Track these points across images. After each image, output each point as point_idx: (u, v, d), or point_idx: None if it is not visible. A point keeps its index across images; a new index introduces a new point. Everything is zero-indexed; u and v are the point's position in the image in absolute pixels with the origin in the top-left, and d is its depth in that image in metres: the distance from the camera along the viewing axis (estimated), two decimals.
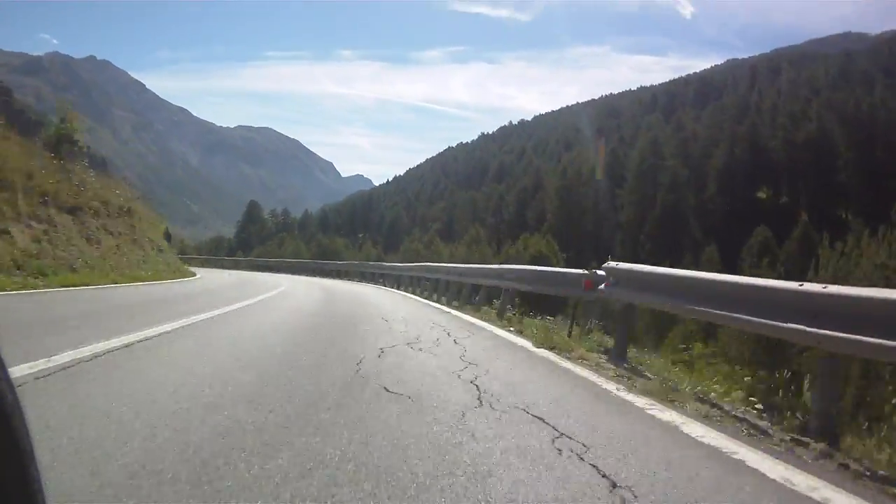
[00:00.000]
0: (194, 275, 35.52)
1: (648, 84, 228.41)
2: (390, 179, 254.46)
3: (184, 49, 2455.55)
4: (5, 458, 0.79)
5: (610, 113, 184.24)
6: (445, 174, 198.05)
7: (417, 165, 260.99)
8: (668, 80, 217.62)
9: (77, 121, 28.06)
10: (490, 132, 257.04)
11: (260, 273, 54.90)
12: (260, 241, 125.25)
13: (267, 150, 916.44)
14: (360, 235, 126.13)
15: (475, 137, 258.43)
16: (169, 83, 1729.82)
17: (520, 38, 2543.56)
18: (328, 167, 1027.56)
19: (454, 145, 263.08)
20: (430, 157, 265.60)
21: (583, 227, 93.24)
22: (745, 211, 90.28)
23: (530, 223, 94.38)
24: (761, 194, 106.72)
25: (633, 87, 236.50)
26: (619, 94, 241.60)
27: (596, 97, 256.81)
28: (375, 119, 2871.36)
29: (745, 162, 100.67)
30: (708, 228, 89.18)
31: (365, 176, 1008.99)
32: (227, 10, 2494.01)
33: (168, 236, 59.76)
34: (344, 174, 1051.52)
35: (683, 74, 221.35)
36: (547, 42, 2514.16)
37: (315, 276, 49.27)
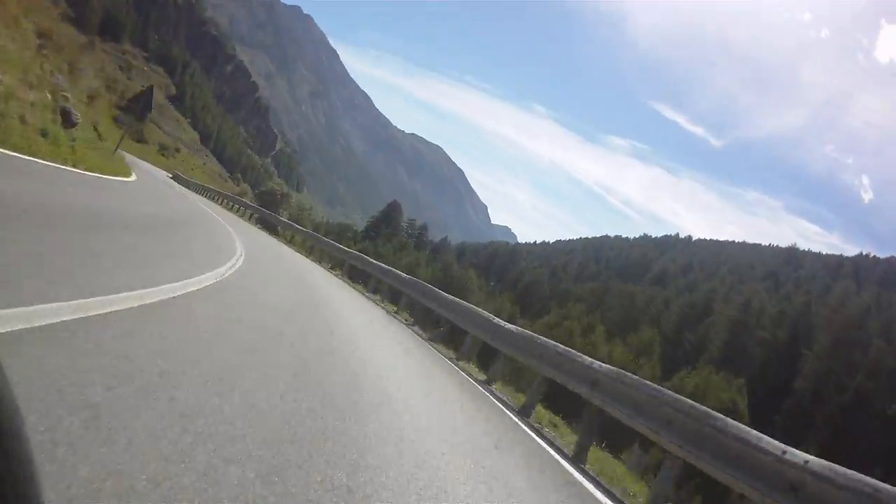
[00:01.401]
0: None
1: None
2: (537, 241, 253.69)
3: (389, 37, 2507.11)
4: (5, 459, 0.76)
5: (787, 261, 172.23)
6: (597, 259, 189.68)
7: (568, 240, 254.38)
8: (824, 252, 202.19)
9: None
10: (654, 235, 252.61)
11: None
12: (386, 243, 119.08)
13: (431, 168, 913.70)
14: (491, 284, 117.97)
15: (636, 235, 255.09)
16: (361, 64, 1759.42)
17: (704, 160, 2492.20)
18: (481, 208, 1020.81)
19: (612, 235, 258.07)
20: (583, 236, 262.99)
21: (751, 369, 74.06)
22: None
23: (686, 346, 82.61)
24: None
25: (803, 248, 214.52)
26: (803, 251, 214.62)
27: (763, 243, 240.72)
28: (542, 180, 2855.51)
29: None
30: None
31: (512, 229, 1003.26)
32: (445, 20, 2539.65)
33: None
34: (493, 220, 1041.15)
35: (837, 253, 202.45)
36: (728, 174, 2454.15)
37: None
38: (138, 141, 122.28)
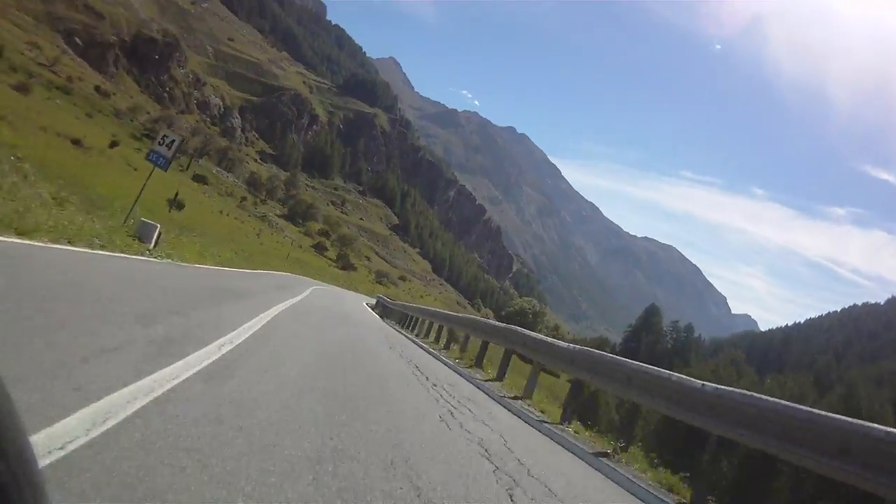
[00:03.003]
0: None
1: None
2: (779, 326, 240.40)
3: (602, 145, 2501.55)
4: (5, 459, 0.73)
5: None
6: (858, 333, 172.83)
7: (817, 317, 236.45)
8: None
9: None
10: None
11: None
12: (650, 354, 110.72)
13: (667, 269, 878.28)
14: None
15: (881, 300, 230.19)
16: (582, 176, 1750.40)
17: None
18: (721, 300, 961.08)
19: (859, 304, 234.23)
20: (824, 312, 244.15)
21: None
22: None
23: None
24: None
25: None
26: None
27: None
28: (774, 265, 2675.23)
29: None
30: None
31: (752, 316, 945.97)
32: (652, 119, 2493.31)
33: None
34: (734, 310, 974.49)
35: None
36: None
37: None
38: (343, 268, 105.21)
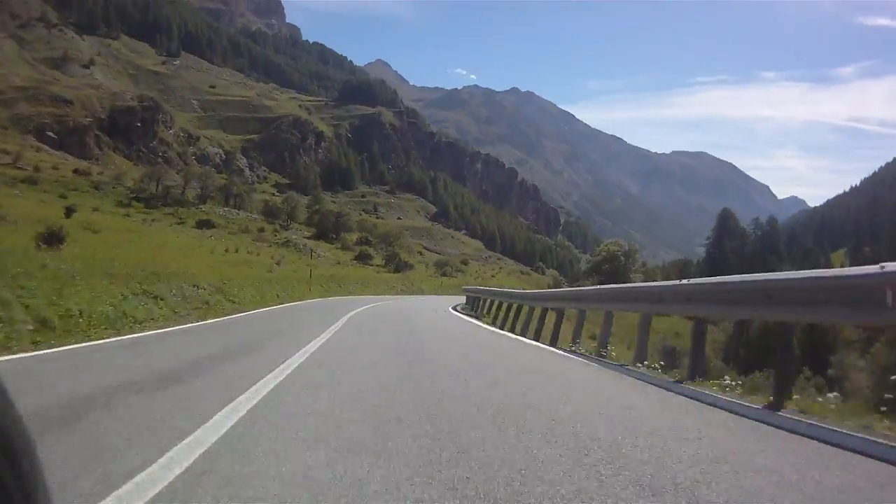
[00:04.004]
0: None
1: None
2: (832, 197, 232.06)
3: (610, 80, 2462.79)
4: (5, 460, 0.71)
5: None
6: None
7: (860, 183, 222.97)
8: None
9: None
10: None
11: None
12: (740, 259, 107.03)
13: (704, 175, 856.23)
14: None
15: None
16: (597, 114, 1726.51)
17: None
18: (764, 190, 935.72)
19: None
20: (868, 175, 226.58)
21: None
22: None
23: None
24: None
25: None
26: None
27: None
28: (805, 141, 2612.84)
29: None
30: None
31: (799, 197, 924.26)
32: (648, 39, 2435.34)
33: None
34: (780, 196, 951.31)
35: None
36: None
37: None
38: (397, 270, 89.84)
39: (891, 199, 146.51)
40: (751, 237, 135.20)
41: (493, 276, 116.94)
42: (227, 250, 54.95)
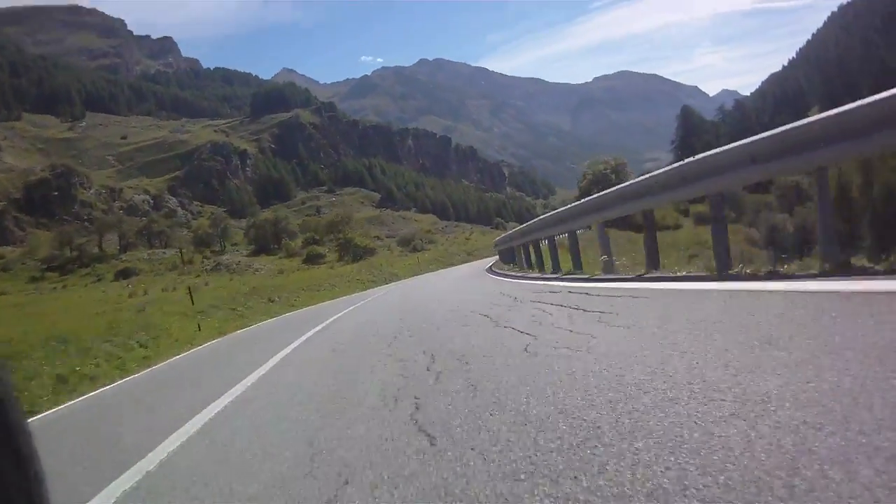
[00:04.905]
0: None
1: None
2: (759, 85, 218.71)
3: (508, 28, 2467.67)
4: (6, 460, 0.71)
5: None
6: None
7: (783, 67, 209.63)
8: None
9: None
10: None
11: None
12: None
13: (630, 93, 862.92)
14: None
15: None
16: (510, 62, 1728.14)
17: None
18: (693, 91, 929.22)
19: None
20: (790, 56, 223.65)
21: None
22: None
23: None
24: None
25: None
26: None
27: None
28: (718, 34, 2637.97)
29: None
30: None
31: (730, 89, 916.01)
32: None
33: None
34: (711, 93, 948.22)
35: None
36: None
37: None
38: (355, 259, 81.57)
39: (836, 56, 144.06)
40: (719, 127, 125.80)
41: (467, 238, 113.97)
42: (130, 296, 46.55)
